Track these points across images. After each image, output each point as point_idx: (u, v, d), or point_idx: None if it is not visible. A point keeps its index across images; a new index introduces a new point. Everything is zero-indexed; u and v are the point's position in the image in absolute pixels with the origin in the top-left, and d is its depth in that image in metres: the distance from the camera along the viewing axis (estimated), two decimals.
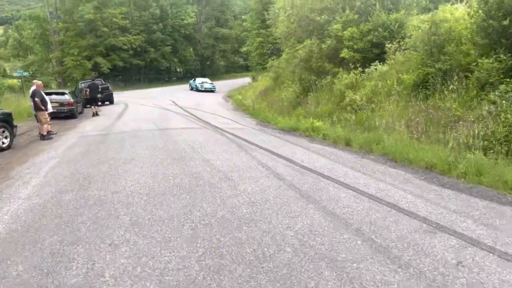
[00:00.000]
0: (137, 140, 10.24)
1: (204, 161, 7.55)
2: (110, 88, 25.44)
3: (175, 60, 57.65)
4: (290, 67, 19.24)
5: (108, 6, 46.13)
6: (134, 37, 48.58)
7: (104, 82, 26.27)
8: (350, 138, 9.53)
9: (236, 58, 70.00)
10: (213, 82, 41.87)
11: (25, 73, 33.95)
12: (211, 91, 37.58)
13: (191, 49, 60.07)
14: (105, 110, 21.56)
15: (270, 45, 34.10)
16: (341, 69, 15.19)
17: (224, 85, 43.16)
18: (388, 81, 11.53)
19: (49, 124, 12.15)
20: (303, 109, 15.69)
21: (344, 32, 15.01)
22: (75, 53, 44.25)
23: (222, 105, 24.17)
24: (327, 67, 15.72)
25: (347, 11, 15.50)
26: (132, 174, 6.60)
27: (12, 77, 43.20)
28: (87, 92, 20.46)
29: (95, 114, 18.43)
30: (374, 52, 14.59)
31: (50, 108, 12.79)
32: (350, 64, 13.98)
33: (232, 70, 70.40)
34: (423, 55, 10.51)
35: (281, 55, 27.00)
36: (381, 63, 13.05)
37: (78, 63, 43.59)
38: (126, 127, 13.31)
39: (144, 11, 50.96)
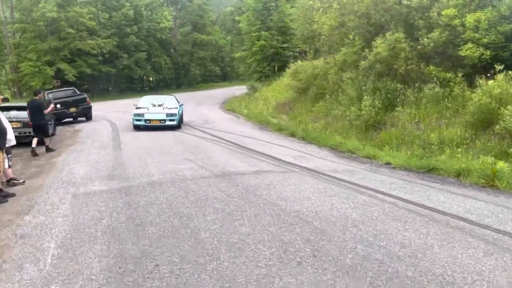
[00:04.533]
0: (221, 224, 4.71)
1: None
2: (87, 100, 19.40)
3: (148, 68, 51.51)
4: (349, 73, 14.28)
5: (73, 4, 39.59)
6: (104, 40, 42.16)
7: (79, 92, 20.22)
8: None
9: (213, 67, 64.53)
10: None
11: None
12: (169, 126, 14.70)
13: (165, 57, 54.09)
14: (85, 129, 15.67)
15: (273, 49, 29.11)
16: (458, 75, 10.37)
17: (209, 96, 37.47)
18: None
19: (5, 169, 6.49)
20: (395, 131, 10.70)
21: (466, 19, 10.24)
22: (34, 58, 37.37)
23: (237, 122, 18.82)
24: (432, 71, 10.84)
25: None
26: None
27: None
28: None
29: (35, 153, 10.14)
30: (510, 49, 9.91)
31: (11, 140, 7.11)
32: (496, 67, 9.14)
33: (210, 79, 64.73)
34: None
35: (304, 58, 22.15)
36: None
37: (37, 69, 36.71)
38: (149, 169, 7.75)
39: (116, 12, 44.63)
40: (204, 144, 11.20)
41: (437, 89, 10.58)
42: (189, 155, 9.25)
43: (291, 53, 28.00)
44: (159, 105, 15.43)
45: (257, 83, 31.31)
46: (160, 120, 14.50)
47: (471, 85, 10.18)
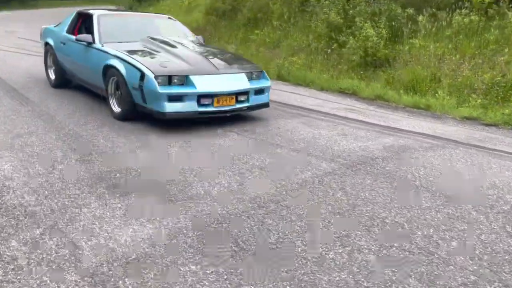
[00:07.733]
0: None
1: None
2: None
3: None
4: None
5: None
6: None
7: None
8: None
9: None
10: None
11: None
12: (254, 107, 5.27)
13: None
14: None
15: None
16: None
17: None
18: None
19: None
20: (422, 71, 8.20)
21: None
22: None
23: None
24: None
25: None
26: None
27: None
28: None
29: None
30: None
31: None
32: None
33: None
34: None
35: None
36: None
37: None
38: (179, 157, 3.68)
39: None
40: None
41: (473, 16, 8.35)
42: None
43: None
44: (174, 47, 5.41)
45: (135, 1, 25.43)
46: (237, 94, 4.95)
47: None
